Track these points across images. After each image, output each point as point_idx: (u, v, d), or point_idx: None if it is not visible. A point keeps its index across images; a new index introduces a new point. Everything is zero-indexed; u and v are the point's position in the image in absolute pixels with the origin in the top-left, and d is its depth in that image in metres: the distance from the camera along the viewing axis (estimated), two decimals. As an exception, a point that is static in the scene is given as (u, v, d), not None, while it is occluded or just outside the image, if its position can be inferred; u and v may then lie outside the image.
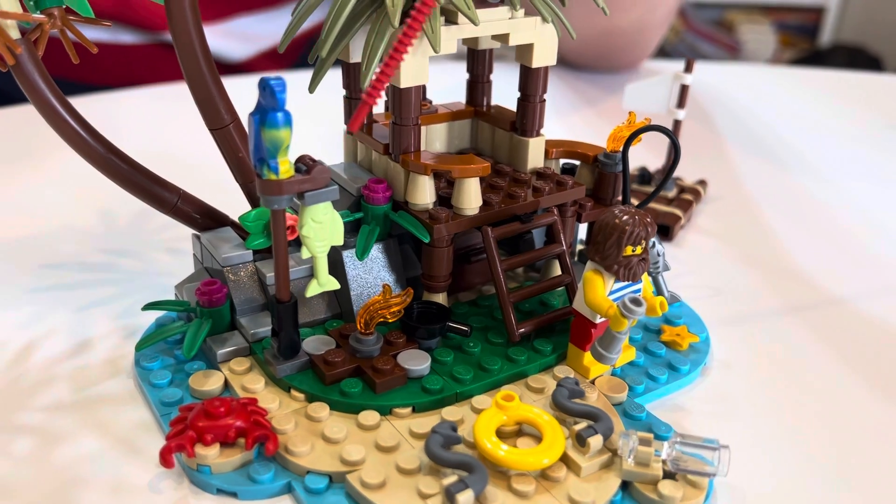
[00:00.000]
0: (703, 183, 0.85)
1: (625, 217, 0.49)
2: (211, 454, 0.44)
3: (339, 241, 0.49)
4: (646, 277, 0.53)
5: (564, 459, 0.45)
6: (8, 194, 0.80)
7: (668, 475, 0.45)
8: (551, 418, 0.47)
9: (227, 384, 0.51)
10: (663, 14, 1.19)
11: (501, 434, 0.46)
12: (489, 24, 0.53)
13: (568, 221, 0.60)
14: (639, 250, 0.50)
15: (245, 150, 0.54)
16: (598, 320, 0.51)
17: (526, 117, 0.59)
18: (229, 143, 0.53)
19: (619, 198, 0.62)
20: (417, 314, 0.54)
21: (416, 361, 0.51)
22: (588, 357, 0.53)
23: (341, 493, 0.44)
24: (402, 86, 0.52)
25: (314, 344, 0.52)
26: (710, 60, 1.83)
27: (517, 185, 0.58)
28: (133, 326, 0.58)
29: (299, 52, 1.32)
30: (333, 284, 0.50)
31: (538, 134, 0.60)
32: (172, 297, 0.59)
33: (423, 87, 0.65)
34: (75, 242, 0.70)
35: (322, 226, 0.47)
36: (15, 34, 0.48)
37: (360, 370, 0.50)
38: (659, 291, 0.61)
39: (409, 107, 0.53)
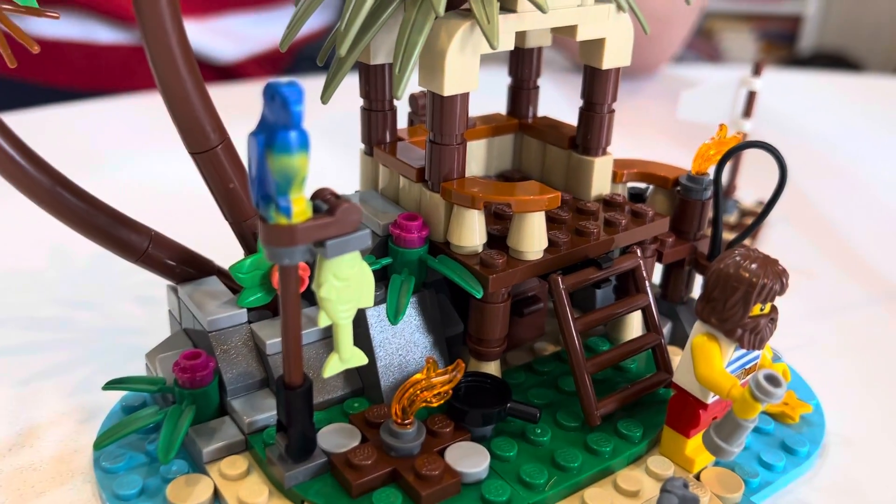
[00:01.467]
0: (762, 204, 0.73)
1: (753, 266, 0.37)
2: None
3: (369, 303, 0.36)
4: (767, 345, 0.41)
5: None
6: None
7: None
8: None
9: (216, 494, 0.38)
10: (687, 9, 1.07)
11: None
12: (554, 13, 0.41)
13: (647, 262, 0.48)
14: (768, 308, 0.38)
15: (238, 178, 0.41)
16: (711, 399, 0.39)
17: (591, 131, 0.47)
18: (216, 171, 0.40)
19: (707, 231, 0.50)
20: (465, 391, 0.41)
21: (471, 461, 0.38)
22: (691, 445, 0.40)
23: None
24: (446, 93, 0.39)
25: (333, 437, 0.39)
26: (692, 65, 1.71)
27: (584, 217, 0.46)
28: (92, 407, 0.45)
29: (292, 58, 1.19)
30: (360, 359, 0.37)
31: (605, 152, 0.48)
32: (143, 369, 0.46)
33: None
34: (19, 291, 0.56)
35: (347, 284, 0.35)
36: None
37: (397, 475, 0.37)
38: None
39: (454, 121, 0.41)
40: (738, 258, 0.37)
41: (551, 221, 0.45)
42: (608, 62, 0.45)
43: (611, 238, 0.44)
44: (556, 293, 0.41)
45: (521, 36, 0.49)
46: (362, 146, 0.48)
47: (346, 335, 0.36)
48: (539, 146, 0.51)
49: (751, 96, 0.65)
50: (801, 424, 0.46)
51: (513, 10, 0.40)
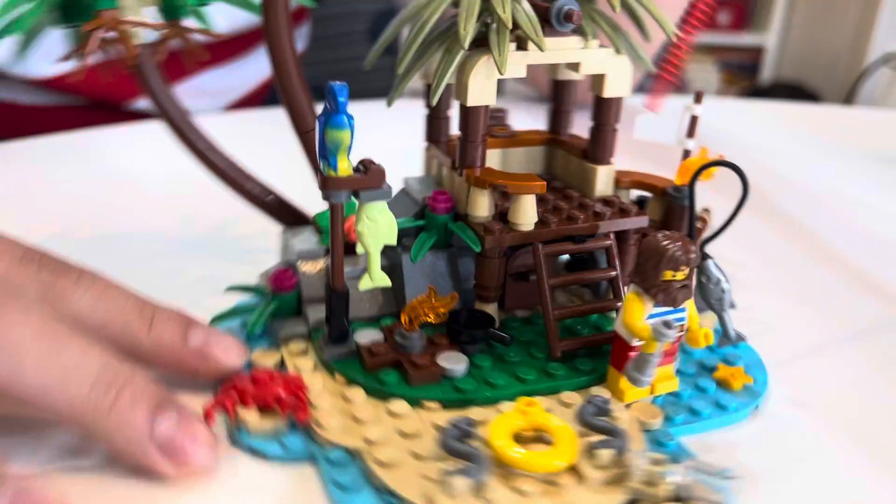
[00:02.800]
0: (707, 211, 0.81)
1: (666, 241, 0.50)
2: (250, 416, 0.49)
3: (393, 241, 0.53)
4: (692, 307, 0.53)
5: (575, 470, 0.46)
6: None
7: (678, 500, 0.45)
8: (568, 427, 0.48)
9: (282, 362, 0.56)
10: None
11: (520, 439, 0.48)
12: (559, 52, 0.56)
13: (630, 250, 0.61)
14: (679, 276, 0.50)
15: (326, 154, 0.60)
16: (635, 343, 0.52)
17: (597, 146, 0.61)
18: (312, 147, 0.59)
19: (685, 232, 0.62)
20: (465, 320, 0.56)
21: (453, 361, 0.54)
22: (624, 380, 0.53)
23: (356, 468, 0.47)
24: (469, 104, 0.55)
25: (364, 335, 0.56)
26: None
27: (580, 209, 0.60)
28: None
29: (267, 97, 1.34)
30: (384, 281, 0.54)
31: (608, 162, 0.62)
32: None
33: (504, 113, 0.69)
34: (153, 242, 0.78)
35: (376, 224, 0.52)
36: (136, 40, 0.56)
37: (399, 363, 0.53)
38: (724, 330, 0.60)
39: (477, 125, 0.57)
40: (659, 236, 0.50)
41: (554, 210, 0.59)
42: (608, 92, 0.59)
43: (594, 225, 0.58)
44: (535, 255, 0.55)
45: (553, 70, 0.64)
46: (423, 144, 0.65)
47: (375, 262, 0.53)
48: (565, 156, 0.66)
49: (693, 119, 0.76)
50: (742, 392, 0.57)
51: (525, 48, 0.55)
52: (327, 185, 0.49)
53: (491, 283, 0.58)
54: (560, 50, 0.56)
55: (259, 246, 0.74)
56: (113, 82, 1.07)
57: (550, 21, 0.54)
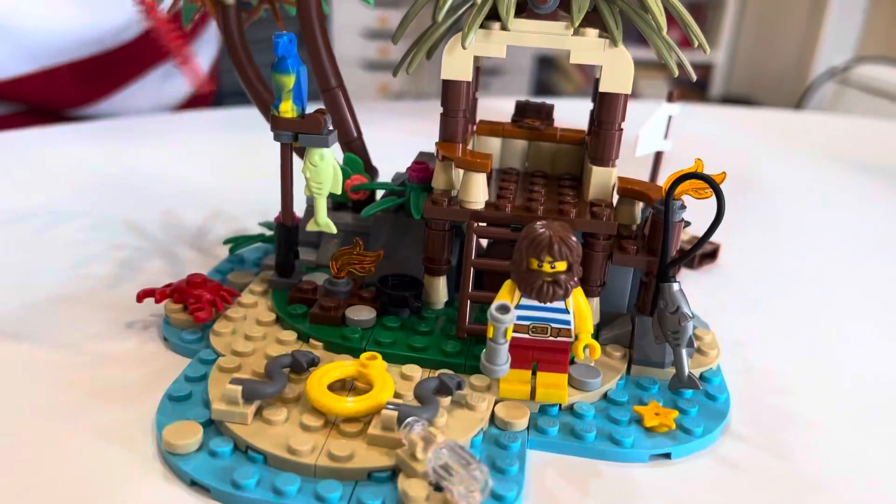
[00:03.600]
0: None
1: (539, 226, 0.46)
2: (173, 309, 0.57)
3: (337, 190, 0.57)
4: (583, 316, 0.48)
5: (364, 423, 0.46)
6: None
7: (438, 488, 0.42)
8: (386, 383, 0.47)
9: (247, 285, 0.63)
10: None
11: (352, 388, 0.49)
12: (543, 36, 0.54)
13: (596, 256, 0.56)
14: (546, 267, 0.46)
15: (350, 112, 0.65)
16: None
17: (598, 145, 0.57)
18: (334, 105, 0.65)
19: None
20: (392, 282, 0.58)
21: (359, 314, 0.55)
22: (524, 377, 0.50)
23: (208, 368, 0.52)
24: (443, 77, 0.57)
25: (310, 277, 0.60)
26: None
27: (549, 203, 0.57)
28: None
29: (213, 96, 1.31)
30: (329, 227, 0.58)
31: (609, 164, 0.57)
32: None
33: (550, 108, 0.67)
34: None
35: (318, 170, 0.56)
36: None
37: (313, 302, 0.57)
38: (678, 367, 0.52)
39: (455, 99, 0.57)
40: (536, 224, 0.47)
41: (529, 201, 0.57)
42: (605, 86, 0.55)
43: (533, 217, 0.54)
44: (467, 233, 0.54)
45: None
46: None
47: (320, 206, 0.57)
48: (581, 157, 0.62)
49: (668, 120, 0.68)
50: (672, 433, 0.49)
51: (506, 29, 0.55)
52: (272, 123, 0.55)
53: (435, 254, 0.58)
54: (544, 34, 0.54)
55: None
56: (54, 90, 1.08)
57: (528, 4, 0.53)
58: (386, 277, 0.58)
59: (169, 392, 0.49)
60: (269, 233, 0.69)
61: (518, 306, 0.48)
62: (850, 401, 0.57)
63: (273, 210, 0.65)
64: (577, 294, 0.48)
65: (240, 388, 0.45)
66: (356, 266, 0.57)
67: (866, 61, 2.94)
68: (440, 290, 0.59)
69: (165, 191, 0.89)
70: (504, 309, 0.45)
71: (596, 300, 0.57)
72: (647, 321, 0.56)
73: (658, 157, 0.74)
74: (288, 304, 0.58)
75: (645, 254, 0.55)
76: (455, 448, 0.41)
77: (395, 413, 0.44)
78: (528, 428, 0.49)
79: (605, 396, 0.53)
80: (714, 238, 0.79)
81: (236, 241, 0.67)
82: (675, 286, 0.52)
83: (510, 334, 0.46)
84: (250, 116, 0.76)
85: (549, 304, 0.47)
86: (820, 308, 0.73)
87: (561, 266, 0.46)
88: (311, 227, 0.58)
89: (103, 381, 0.52)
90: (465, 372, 0.52)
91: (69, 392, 0.50)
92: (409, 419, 0.43)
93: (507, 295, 0.48)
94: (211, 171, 0.98)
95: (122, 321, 0.59)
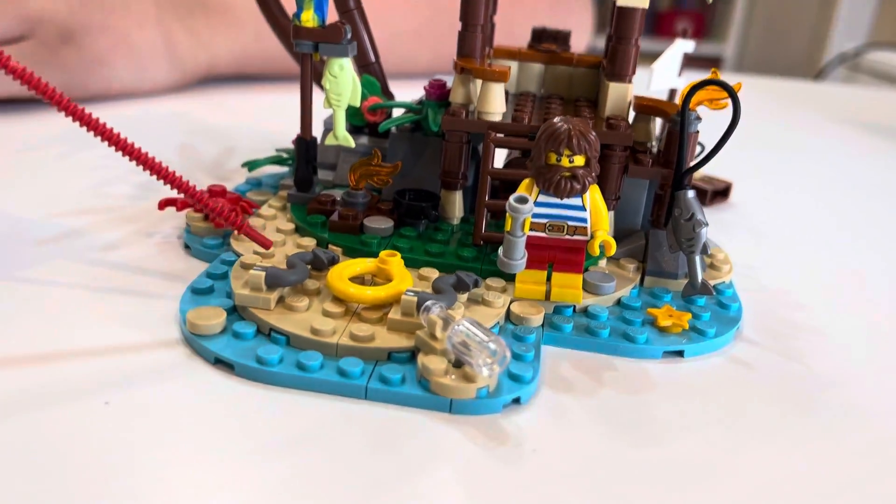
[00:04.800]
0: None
1: (558, 121, 0.47)
2: (194, 217, 0.58)
3: (356, 103, 0.58)
4: (599, 211, 0.48)
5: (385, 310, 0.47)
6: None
7: (458, 364, 0.42)
8: (405, 277, 0.48)
9: (266, 202, 0.64)
10: None
11: (375, 283, 0.50)
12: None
13: (612, 169, 0.56)
14: (564, 162, 0.47)
15: (367, 34, 0.66)
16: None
17: (615, 61, 0.58)
18: (354, 26, 0.66)
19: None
20: (409, 195, 0.59)
21: (377, 222, 0.56)
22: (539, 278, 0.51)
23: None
24: (462, -10, 0.57)
25: (329, 192, 0.61)
26: None
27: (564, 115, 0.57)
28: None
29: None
30: (347, 141, 0.59)
31: (626, 80, 0.58)
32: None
33: (567, 34, 0.68)
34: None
35: (337, 81, 0.57)
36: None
37: (333, 212, 0.58)
38: (691, 274, 0.53)
39: (476, 12, 0.58)
40: (555, 119, 0.47)
41: (547, 115, 0.58)
42: (623, 0, 0.56)
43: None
44: (485, 143, 0.55)
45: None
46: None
47: (339, 119, 0.58)
48: (597, 78, 0.63)
49: (682, 57, 0.69)
50: (685, 334, 0.50)
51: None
52: (293, 33, 0.56)
53: (452, 168, 0.59)
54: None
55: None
56: None
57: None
58: (403, 192, 0.59)
59: (192, 285, 0.50)
60: (286, 155, 0.70)
61: (536, 203, 0.48)
62: (862, 317, 0.58)
63: (288, 146, 0.66)
64: (594, 191, 0.49)
65: (263, 273, 0.46)
66: (374, 178, 0.58)
67: (878, 47, 2.95)
68: (456, 204, 0.60)
69: (181, 128, 0.90)
70: (522, 199, 0.46)
71: (611, 214, 0.58)
72: (660, 234, 0.57)
73: (671, 94, 0.74)
74: (307, 214, 0.59)
75: (660, 166, 0.56)
76: (472, 323, 0.42)
77: (415, 299, 0.45)
78: (542, 325, 0.50)
79: (618, 302, 0.54)
80: (726, 177, 0.80)
81: (254, 162, 0.68)
82: (690, 193, 0.53)
83: (528, 228, 0.47)
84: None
85: (566, 201, 0.48)
86: (830, 241, 0.74)
87: (579, 160, 0.47)
88: (329, 140, 0.59)
89: (125, 280, 0.53)
90: (482, 276, 0.53)
91: (91, 288, 0.51)
92: (427, 302, 0.44)
93: (525, 191, 0.49)
94: (226, 112, 0.99)
95: (143, 231, 0.60)
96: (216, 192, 0.59)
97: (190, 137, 0.87)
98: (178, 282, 0.52)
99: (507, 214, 0.47)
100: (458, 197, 0.60)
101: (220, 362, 0.44)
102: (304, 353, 0.43)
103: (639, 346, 0.49)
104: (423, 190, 0.60)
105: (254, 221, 0.58)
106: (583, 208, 0.48)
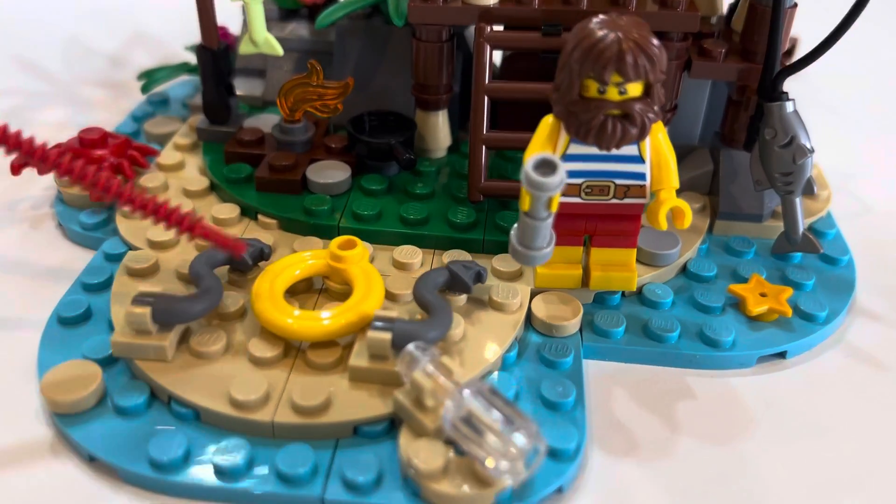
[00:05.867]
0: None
1: (597, 25, 0.28)
2: (62, 182, 0.40)
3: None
4: (663, 161, 0.31)
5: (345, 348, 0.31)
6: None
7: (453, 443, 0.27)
8: (371, 282, 0.32)
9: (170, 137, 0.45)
10: None
11: (328, 290, 0.33)
12: None
13: (668, 67, 0.38)
14: (612, 93, 0.29)
15: None
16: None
17: None
18: None
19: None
20: (370, 124, 0.40)
21: (326, 173, 0.39)
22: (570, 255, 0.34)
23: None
24: None
25: (254, 121, 0.43)
26: None
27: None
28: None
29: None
30: (271, 47, 0.40)
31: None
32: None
33: None
34: None
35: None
36: None
37: (258, 159, 0.40)
38: (789, 223, 0.37)
39: None
40: (592, 21, 0.29)
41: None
42: None
43: (581, 10, 0.36)
44: (476, 43, 0.36)
45: None
46: None
47: (256, 16, 0.39)
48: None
49: None
50: (768, 326, 0.34)
51: None
52: None
53: (429, 80, 0.40)
54: None
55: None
56: None
57: None
58: (361, 117, 0.41)
59: (58, 310, 0.33)
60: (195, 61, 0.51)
61: (565, 157, 0.31)
62: None
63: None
64: (658, 131, 0.31)
65: (148, 309, 0.30)
66: (316, 103, 0.39)
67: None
68: (439, 129, 0.42)
69: (67, 12, 0.68)
70: (546, 165, 0.28)
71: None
72: (737, 157, 0.40)
73: None
74: (225, 163, 0.41)
75: (738, 59, 0.38)
76: (484, 392, 0.26)
77: (388, 336, 0.29)
78: (580, 330, 0.34)
79: (683, 270, 0.37)
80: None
81: (150, 76, 0.49)
82: (789, 106, 0.35)
83: (556, 205, 0.30)
84: None
85: (613, 151, 0.30)
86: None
87: (635, 90, 0.29)
88: (245, 48, 0.40)
89: (-31, 295, 0.36)
90: (485, 251, 0.36)
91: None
92: (409, 347, 0.28)
93: (545, 141, 0.31)
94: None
95: (3, 202, 0.42)
96: (91, 140, 0.41)
97: (81, 24, 0.66)
98: (48, 289, 0.36)
99: (522, 189, 0.29)
100: (440, 119, 0.42)
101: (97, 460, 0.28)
102: (223, 444, 0.28)
103: (724, 355, 0.33)
104: (389, 112, 0.41)
105: (151, 179, 0.40)
106: (639, 159, 0.31)
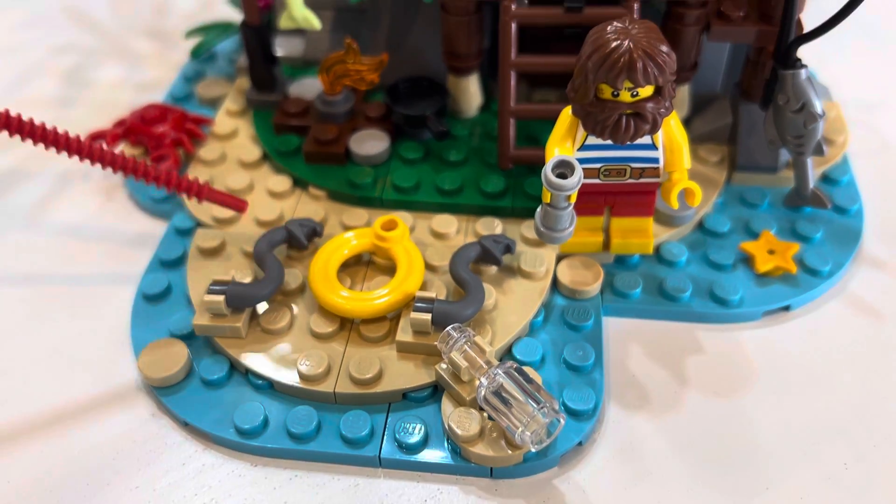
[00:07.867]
0: None
1: (611, 33, 0.30)
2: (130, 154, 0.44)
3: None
4: (675, 146, 0.34)
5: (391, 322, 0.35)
6: None
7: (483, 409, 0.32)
8: (412, 261, 0.36)
9: (221, 101, 0.49)
10: None
11: (378, 265, 0.38)
12: None
13: (687, 32, 0.40)
14: (624, 97, 0.31)
15: None
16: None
17: None
18: None
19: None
20: (405, 91, 0.43)
21: (366, 145, 0.42)
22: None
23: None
24: None
25: (299, 88, 0.46)
26: None
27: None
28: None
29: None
30: (310, 22, 0.42)
31: None
32: None
33: None
34: None
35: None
36: None
37: (305, 130, 0.43)
38: (798, 181, 0.39)
39: None
40: (606, 28, 0.31)
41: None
42: None
43: (617, -18, 0.38)
44: (502, 19, 0.38)
45: None
46: None
47: (294, -6, 0.41)
48: None
49: None
50: (776, 282, 0.38)
51: None
52: None
53: (458, 48, 0.42)
54: None
55: None
56: None
57: None
58: (396, 86, 0.43)
59: (142, 288, 0.39)
60: (239, 17, 0.53)
61: (583, 146, 0.34)
62: None
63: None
64: (671, 120, 0.33)
65: (222, 297, 0.34)
66: (354, 77, 0.42)
67: None
68: (470, 92, 0.44)
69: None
70: (564, 165, 0.31)
71: (686, 88, 0.42)
72: (754, 112, 0.41)
73: None
74: (275, 133, 0.44)
75: (756, 21, 0.39)
76: (513, 373, 0.31)
77: (428, 316, 0.33)
78: (601, 292, 0.38)
79: (699, 224, 0.40)
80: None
81: (199, 40, 0.52)
82: (803, 74, 0.37)
83: (574, 197, 0.33)
84: None
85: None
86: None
87: (647, 91, 0.31)
88: (284, 23, 0.42)
89: (56, 269, 0.41)
90: (513, 217, 0.40)
91: (23, 305, 0.40)
92: (448, 329, 0.32)
93: (566, 133, 0.34)
94: None
95: (77, 173, 0.47)
96: (152, 117, 0.44)
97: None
98: (128, 263, 0.41)
99: (545, 188, 0.32)
100: (471, 83, 0.44)
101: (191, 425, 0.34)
102: (294, 412, 0.33)
103: (732, 311, 0.37)
104: (422, 78, 0.44)
105: (209, 151, 0.44)
106: (652, 146, 0.34)
